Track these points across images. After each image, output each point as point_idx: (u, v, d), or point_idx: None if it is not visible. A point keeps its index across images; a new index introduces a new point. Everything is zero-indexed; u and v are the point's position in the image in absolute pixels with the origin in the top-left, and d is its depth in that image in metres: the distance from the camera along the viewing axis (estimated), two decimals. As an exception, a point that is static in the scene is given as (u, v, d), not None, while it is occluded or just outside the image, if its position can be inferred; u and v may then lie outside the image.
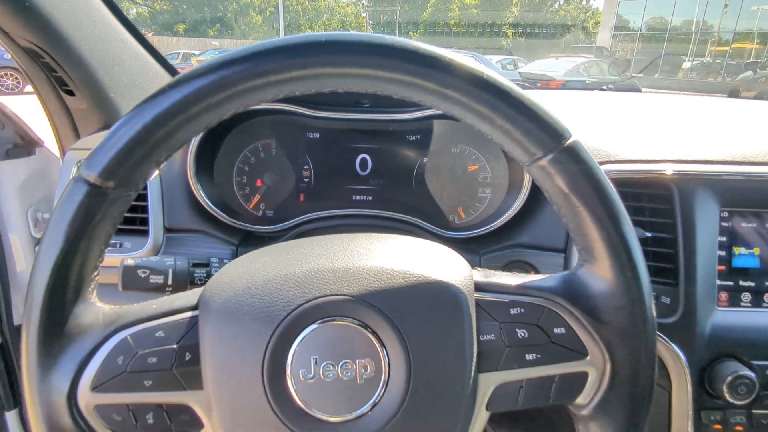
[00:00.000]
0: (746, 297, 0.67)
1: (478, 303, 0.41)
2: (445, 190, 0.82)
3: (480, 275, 0.44)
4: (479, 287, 0.42)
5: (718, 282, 0.66)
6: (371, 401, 0.37)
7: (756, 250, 0.67)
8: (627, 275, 0.39)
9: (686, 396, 0.64)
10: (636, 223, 0.66)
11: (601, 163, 0.70)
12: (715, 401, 0.64)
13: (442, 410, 0.38)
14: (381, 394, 0.37)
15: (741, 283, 0.67)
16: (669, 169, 0.66)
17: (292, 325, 0.37)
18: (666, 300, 0.65)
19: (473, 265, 0.45)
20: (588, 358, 0.40)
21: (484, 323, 0.40)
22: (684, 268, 0.64)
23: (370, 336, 0.38)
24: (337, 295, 0.38)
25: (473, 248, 0.74)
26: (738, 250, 0.67)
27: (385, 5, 35.30)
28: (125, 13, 0.84)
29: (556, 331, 0.41)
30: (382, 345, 0.38)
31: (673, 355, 0.64)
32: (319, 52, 0.35)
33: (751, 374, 0.62)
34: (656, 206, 0.67)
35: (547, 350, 0.40)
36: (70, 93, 0.80)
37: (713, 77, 19.41)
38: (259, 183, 0.82)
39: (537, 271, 0.70)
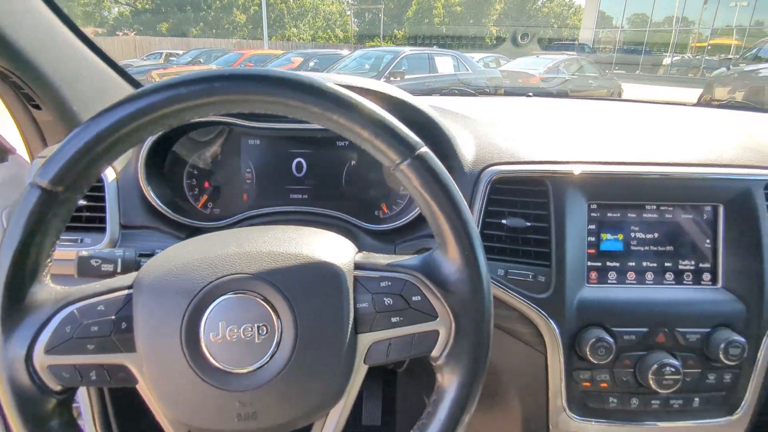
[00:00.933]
0: (612, 275, 0.80)
1: (356, 278, 0.53)
2: (371, 189, 0.94)
3: (361, 256, 0.56)
4: (359, 266, 0.54)
5: (589, 263, 0.79)
6: (267, 356, 0.48)
7: (620, 236, 0.80)
8: (466, 254, 0.51)
9: (559, 359, 0.77)
10: (519, 215, 0.79)
11: (496, 164, 0.82)
12: (583, 362, 0.77)
13: (325, 362, 0.49)
14: (275, 350, 0.48)
15: (608, 263, 0.80)
16: (545, 170, 0.79)
17: (204, 298, 0.48)
18: (542, 279, 0.77)
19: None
20: (438, 319, 0.52)
21: (360, 294, 0.52)
22: (555, 252, 0.77)
23: (266, 305, 0.49)
24: (241, 273, 0.50)
25: (392, 239, 0.86)
26: (605, 236, 0.80)
27: (369, 3, 35.29)
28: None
29: (414, 299, 0.52)
30: (276, 312, 0.49)
31: (547, 325, 0.77)
32: (223, 83, 0.46)
33: (610, 339, 0.75)
34: (535, 200, 0.79)
35: (407, 314, 0.52)
36: (37, 107, 0.91)
37: (693, 73, 19.78)
38: (206, 184, 0.93)
39: None
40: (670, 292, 0.79)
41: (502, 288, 0.78)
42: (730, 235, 0.79)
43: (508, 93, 1.51)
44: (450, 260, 0.52)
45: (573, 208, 0.78)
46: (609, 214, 0.80)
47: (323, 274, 0.51)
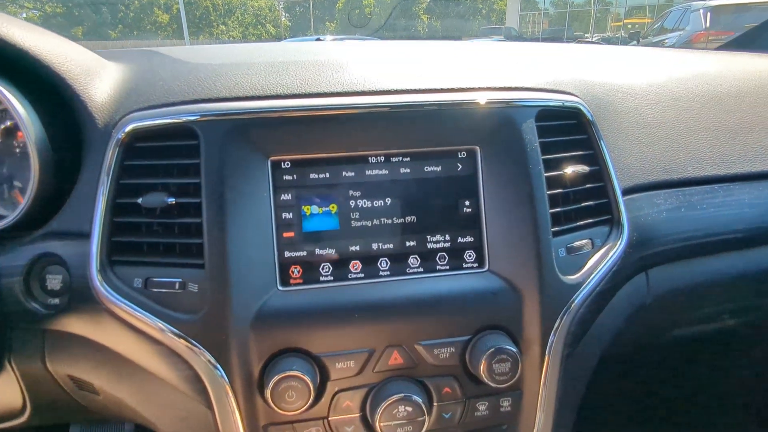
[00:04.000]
0: (326, 269, 0.51)
1: None
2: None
3: None
4: None
5: (287, 254, 0.50)
6: None
7: (333, 208, 0.52)
8: None
9: (232, 414, 0.48)
10: (162, 188, 0.49)
11: (134, 111, 0.52)
12: (279, 414, 0.48)
13: None
14: None
15: (317, 251, 0.51)
16: (192, 111, 0.49)
17: None
18: (193, 287, 0.48)
19: None
20: None
21: None
22: (210, 243, 0.47)
23: None
24: None
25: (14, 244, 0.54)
26: (309, 210, 0.51)
27: (298, -4, 34.43)
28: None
29: None
30: None
31: (205, 364, 0.47)
32: None
33: (309, 373, 0.47)
34: (185, 162, 0.50)
35: None
36: None
37: (613, 50, 20.57)
38: None
39: (67, 269, 0.51)
40: (414, 285, 0.52)
41: (138, 310, 0.48)
42: (493, 191, 0.53)
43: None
44: None
45: (243, 170, 0.49)
46: (312, 175, 0.51)
47: None
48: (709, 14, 7.50)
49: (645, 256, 0.61)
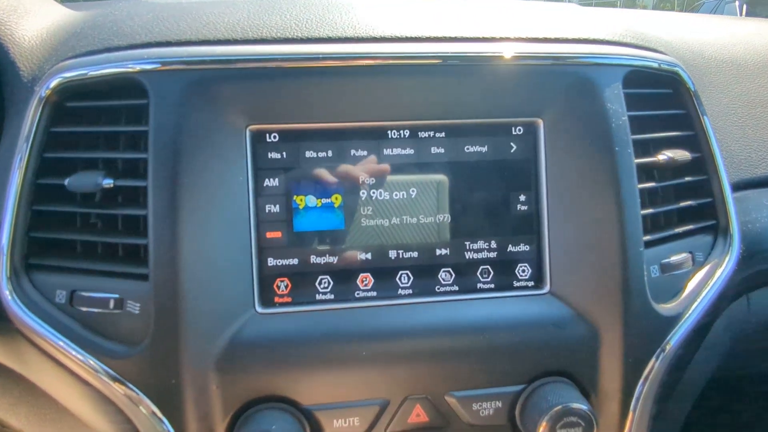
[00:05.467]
0: (324, 284, 0.37)
1: None
2: None
3: None
4: None
5: (272, 262, 0.36)
6: None
7: (336, 199, 0.37)
8: None
9: None
10: (104, 165, 0.36)
11: (68, 59, 0.38)
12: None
13: None
14: None
15: (312, 259, 0.37)
16: (137, 57, 0.35)
17: None
18: (134, 308, 0.34)
19: None
20: None
21: None
22: (156, 245, 0.33)
23: None
24: None
25: None
26: (302, 202, 0.37)
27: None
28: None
29: None
30: None
31: (146, 418, 0.34)
32: None
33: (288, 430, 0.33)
34: (128, 129, 0.36)
35: None
36: None
37: (638, 44, 20.07)
38: None
39: None
40: (446, 311, 0.37)
41: (57, 336, 0.34)
42: (559, 182, 0.38)
43: None
44: None
45: (209, 142, 0.35)
46: (309, 153, 0.37)
47: None
48: (745, 6, 7.17)
49: (752, 275, 0.46)
